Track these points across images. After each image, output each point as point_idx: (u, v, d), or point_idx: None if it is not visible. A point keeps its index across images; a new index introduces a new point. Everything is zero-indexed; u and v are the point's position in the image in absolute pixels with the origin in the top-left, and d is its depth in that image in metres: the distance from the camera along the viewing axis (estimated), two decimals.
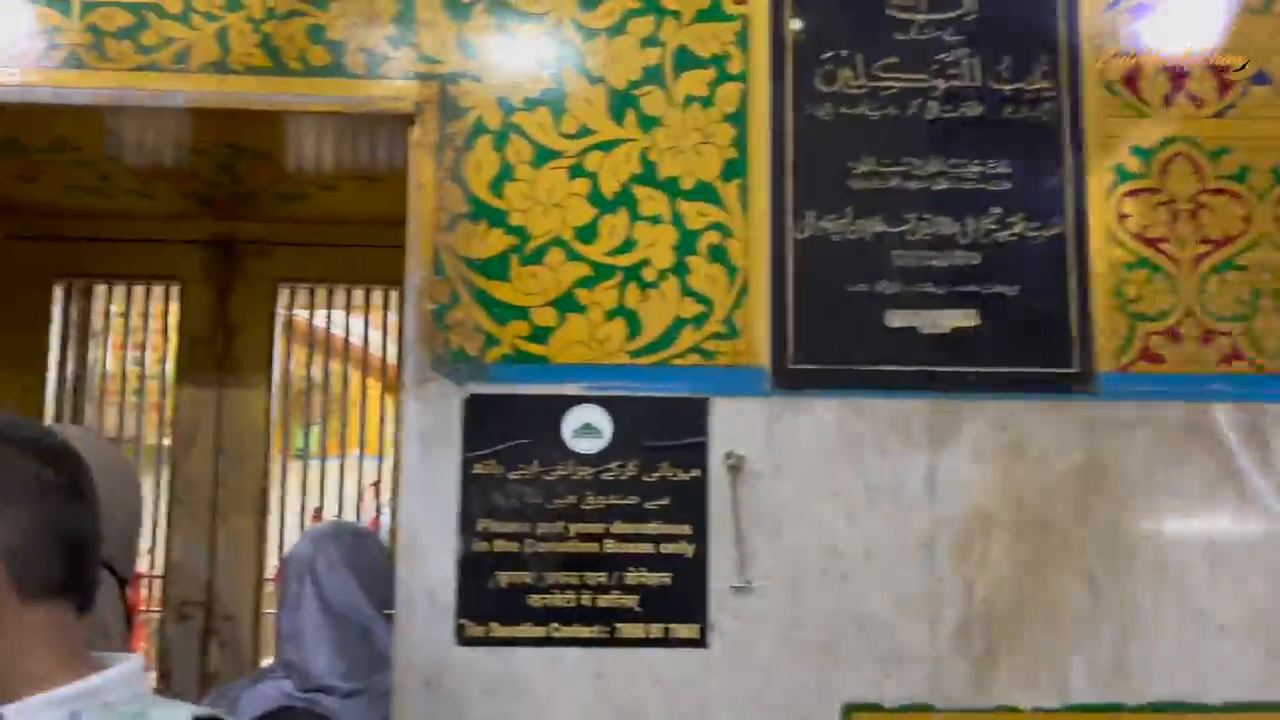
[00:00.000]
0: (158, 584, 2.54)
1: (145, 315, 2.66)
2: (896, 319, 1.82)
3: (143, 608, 2.45)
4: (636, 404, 1.81)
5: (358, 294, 2.67)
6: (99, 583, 0.96)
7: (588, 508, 1.79)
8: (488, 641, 1.76)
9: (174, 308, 2.64)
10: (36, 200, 2.49)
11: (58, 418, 2.60)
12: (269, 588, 2.57)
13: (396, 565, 1.79)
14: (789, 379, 1.80)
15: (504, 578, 1.78)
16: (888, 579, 1.76)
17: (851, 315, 1.82)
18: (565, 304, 1.82)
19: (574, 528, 1.79)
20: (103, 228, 2.60)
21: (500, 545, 1.78)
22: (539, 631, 1.77)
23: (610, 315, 1.82)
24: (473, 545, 1.78)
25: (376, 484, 2.50)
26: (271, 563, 2.65)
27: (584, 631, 1.77)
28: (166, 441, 2.61)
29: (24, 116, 1.88)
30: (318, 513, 2.59)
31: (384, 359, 2.65)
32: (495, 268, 1.82)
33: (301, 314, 2.73)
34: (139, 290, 2.67)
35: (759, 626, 1.75)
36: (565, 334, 1.82)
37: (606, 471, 1.80)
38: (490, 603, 1.77)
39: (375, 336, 2.66)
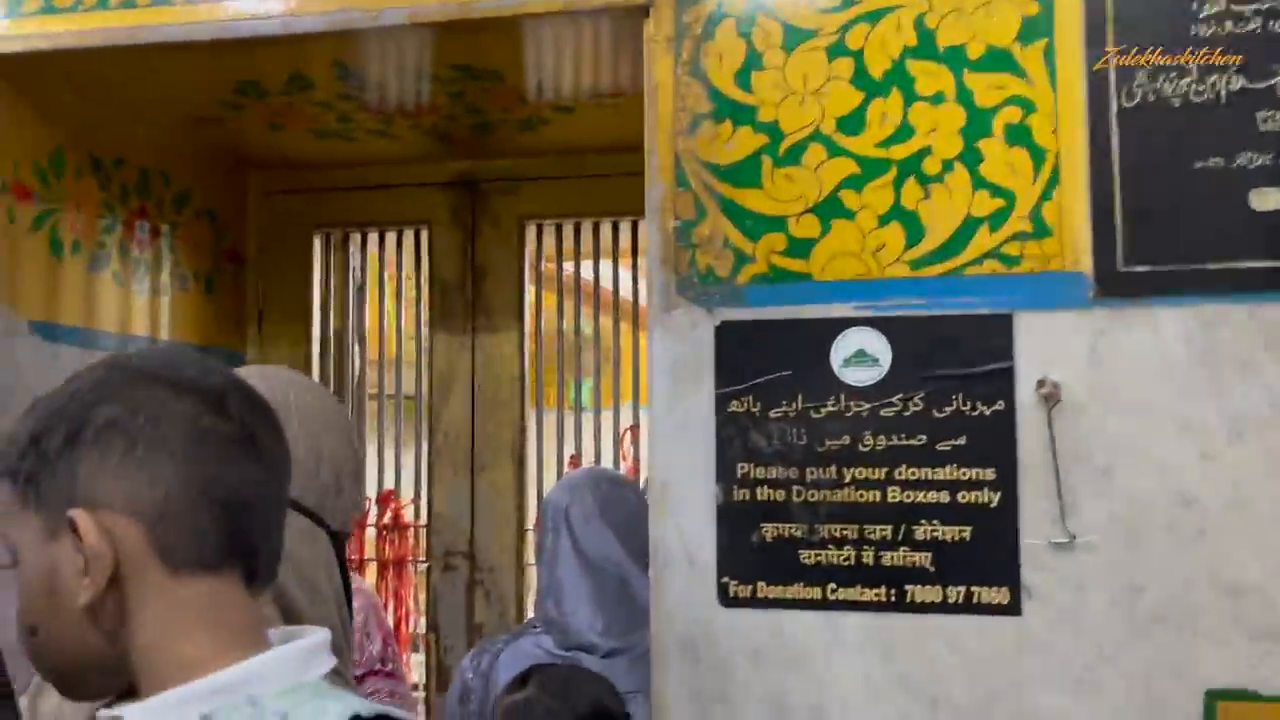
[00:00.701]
0: (423, 534, 2.49)
1: (399, 262, 2.61)
2: (1267, 200, 1.40)
3: (410, 558, 2.41)
4: (921, 325, 1.51)
5: (605, 228, 2.50)
6: (280, 552, 0.79)
7: (865, 449, 1.51)
8: (754, 603, 1.53)
9: (425, 253, 2.58)
10: (288, 152, 2.48)
11: (322, 370, 2.61)
12: (530, 538, 2.47)
13: (650, 517, 1.59)
14: (1118, 285, 1.43)
15: (769, 530, 1.54)
16: (1262, 534, 1.37)
17: (1202, 199, 1.42)
18: (829, 209, 1.54)
19: (850, 472, 1.52)
20: (353, 175, 2.57)
21: (763, 493, 1.54)
22: (813, 593, 1.51)
23: (884, 220, 1.52)
24: (732, 494, 1.55)
25: (634, 428, 2.32)
26: (532, 513, 2.55)
27: (866, 594, 1.50)
28: (424, 391, 2.55)
29: (259, 51, 1.81)
30: (574, 460, 2.45)
31: (635, 302, 2.46)
32: (745, 173, 1.56)
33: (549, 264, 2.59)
34: (391, 237, 2.62)
35: (1087, 592, 1.42)
36: (830, 245, 1.54)
37: (886, 407, 1.51)
38: (755, 559, 1.53)
39: (626, 280, 2.48)
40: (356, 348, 2.63)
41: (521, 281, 2.50)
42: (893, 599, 1.49)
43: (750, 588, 1.54)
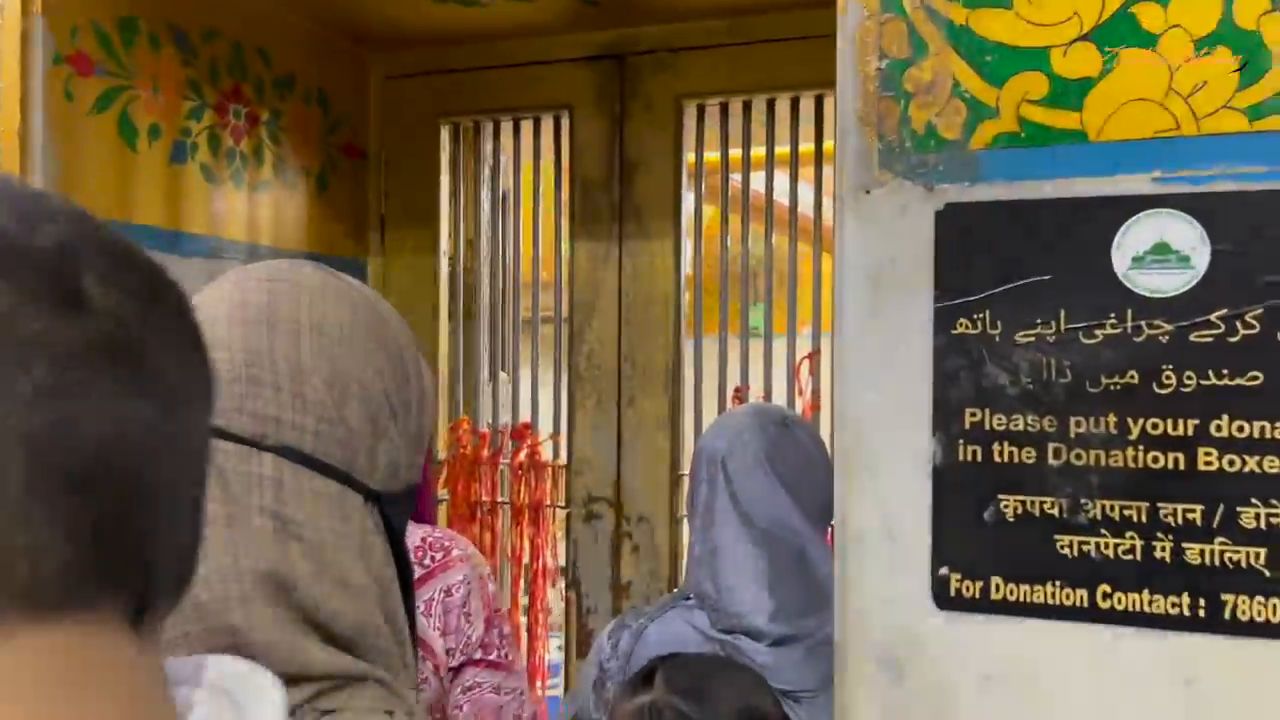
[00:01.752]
0: (563, 474, 2.13)
1: (535, 155, 2.21)
2: None
3: (548, 502, 2.06)
4: (1259, 204, 0.99)
5: (782, 105, 2.01)
6: (196, 548, 0.41)
7: (1164, 391, 1.02)
8: (986, 606, 1.07)
9: (566, 144, 2.17)
10: (408, 27, 2.10)
11: (451, 284, 2.26)
12: (685, 485, 2.07)
13: (835, 480, 1.15)
14: None
15: (1011, 505, 1.07)
16: None
17: None
18: (1115, 33, 1.03)
19: (1138, 425, 1.03)
20: (482, 53, 2.17)
21: (1003, 451, 1.07)
22: (1076, 597, 1.04)
23: (1203, 44, 1.00)
24: (956, 450, 1.09)
25: (813, 355, 1.87)
26: (689, 455, 2.14)
27: (1160, 603, 1.02)
28: (564, 311, 2.17)
29: None
30: (739, 393, 2.02)
31: (818, 217, 1.99)
32: None
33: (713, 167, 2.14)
34: (527, 126, 2.22)
35: None
36: (1115, 88, 1.03)
37: (1201, 329, 1.01)
38: (989, 545, 1.07)
39: (806, 194, 2.00)
40: (488, 260, 2.26)
41: (679, 177, 2.06)
42: (1200, 613, 1.00)
43: (980, 585, 1.08)
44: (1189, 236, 1.02)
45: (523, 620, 2.13)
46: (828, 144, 2.01)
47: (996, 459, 1.08)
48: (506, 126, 2.26)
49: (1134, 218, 1.03)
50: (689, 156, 2.08)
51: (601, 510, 2.10)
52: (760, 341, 2.05)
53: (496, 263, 2.29)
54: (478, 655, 1.34)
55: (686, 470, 2.07)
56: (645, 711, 1.30)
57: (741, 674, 1.48)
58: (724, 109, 2.06)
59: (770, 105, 2.03)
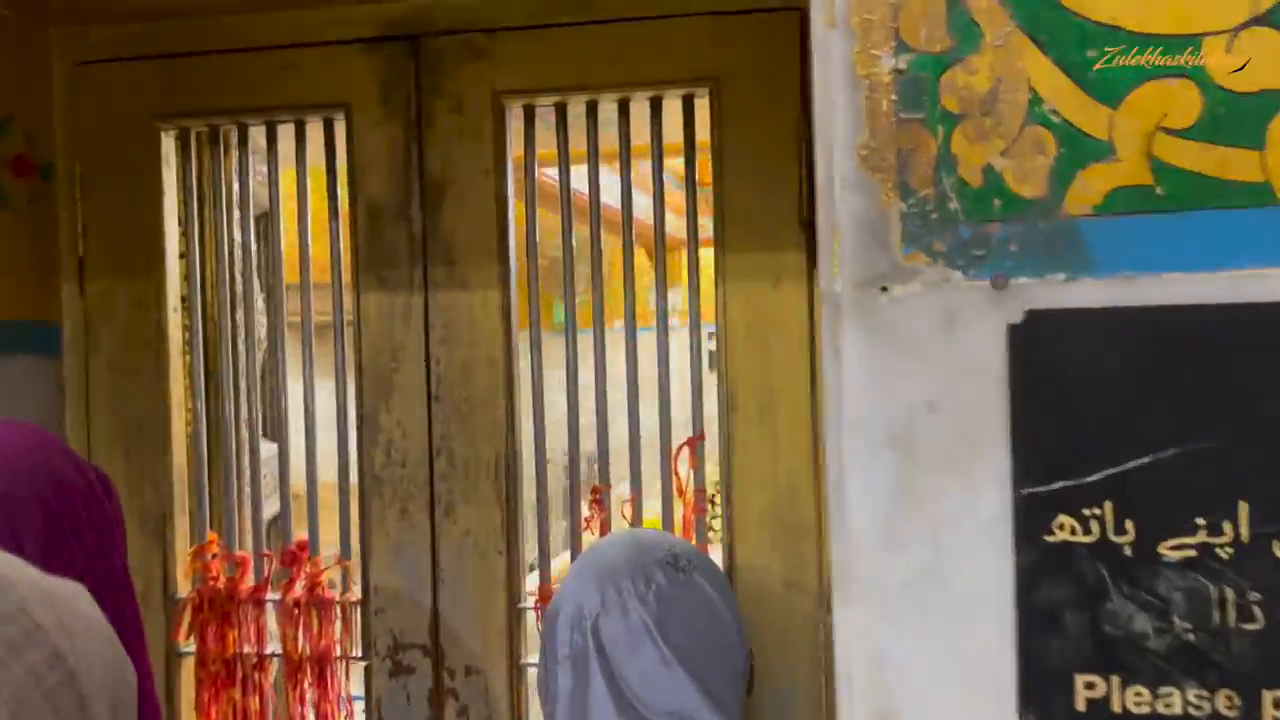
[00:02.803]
0: (357, 612, 1.55)
1: (298, 176, 1.61)
2: None
3: (338, 653, 1.48)
4: None
5: (638, 107, 1.50)
6: None
7: None
8: None
9: (340, 157, 1.58)
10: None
11: (188, 350, 1.64)
12: (531, 623, 1.54)
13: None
14: None
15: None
16: None
17: None
18: None
19: None
20: (218, 31, 1.56)
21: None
22: None
23: None
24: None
25: (694, 439, 1.39)
26: (532, 581, 1.61)
27: None
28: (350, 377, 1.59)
29: None
30: (596, 495, 1.50)
31: (659, 231, 1.50)
32: None
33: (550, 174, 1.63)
34: (285, 133, 1.61)
35: None
36: None
37: None
38: None
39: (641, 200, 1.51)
40: (234, 317, 1.65)
41: (503, 200, 1.52)
42: None
43: None
44: None
45: None
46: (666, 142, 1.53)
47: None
48: (256, 132, 1.64)
49: None
50: (515, 167, 1.54)
51: (414, 661, 1.54)
52: (624, 411, 1.53)
53: (249, 320, 1.67)
54: None
55: (529, 602, 1.55)
56: None
57: None
58: (560, 111, 1.53)
59: (623, 107, 1.51)
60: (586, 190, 1.54)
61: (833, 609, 0.66)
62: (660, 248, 1.51)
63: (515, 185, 1.54)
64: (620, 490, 1.55)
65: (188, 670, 1.60)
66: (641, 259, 1.80)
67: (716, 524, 1.58)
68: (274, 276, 1.69)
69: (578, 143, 1.53)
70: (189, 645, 1.59)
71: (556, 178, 1.55)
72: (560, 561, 1.64)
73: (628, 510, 1.51)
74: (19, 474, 1.05)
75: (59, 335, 1.60)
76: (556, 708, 1.15)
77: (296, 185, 1.60)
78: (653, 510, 1.54)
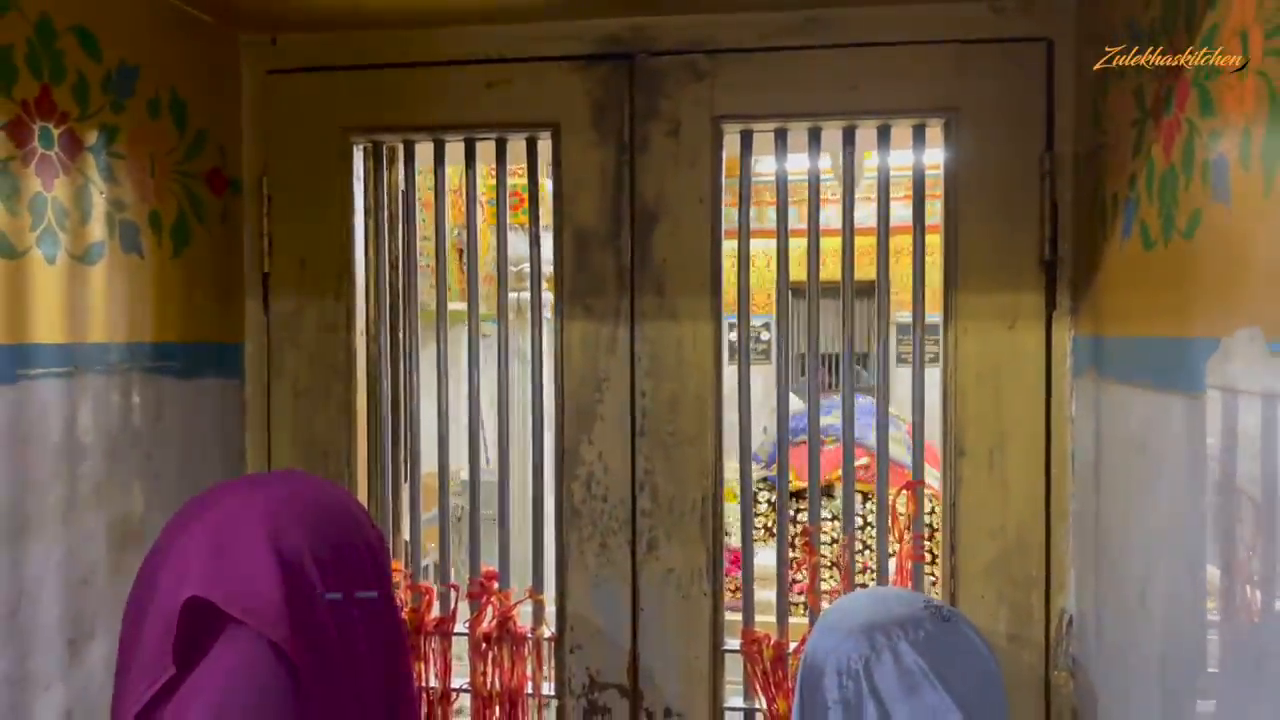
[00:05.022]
0: (550, 652, 1.51)
1: (499, 198, 1.55)
2: None
3: (528, 689, 1.44)
4: None
5: (866, 134, 1.44)
6: None
7: None
8: None
9: (545, 183, 1.53)
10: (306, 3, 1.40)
11: (371, 372, 1.58)
12: (736, 663, 1.49)
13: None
14: None
15: None
16: None
17: None
18: None
19: None
20: (415, 42, 1.50)
21: None
22: None
23: None
24: None
25: (914, 484, 1.34)
26: (736, 619, 1.56)
27: None
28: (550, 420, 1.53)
29: None
30: (807, 536, 1.46)
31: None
32: None
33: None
34: (485, 150, 1.55)
35: None
36: None
37: None
38: None
39: None
40: (426, 343, 1.59)
41: (717, 229, 1.46)
42: None
43: None
44: None
45: None
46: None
47: None
48: (455, 149, 1.58)
49: None
50: (728, 195, 1.49)
51: (611, 702, 1.49)
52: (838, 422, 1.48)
53: (441, 345, 1.61)
54: None
55: (734, 643, 1.50)
56: None
57: None
58: (780, 137, 1.47)
59: (848, 135, 1.45)
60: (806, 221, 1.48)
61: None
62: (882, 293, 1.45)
63: (727, 205, 1.49)
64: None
65: None
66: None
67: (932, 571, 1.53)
68: (471, 299, 1.63)
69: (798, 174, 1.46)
70: None
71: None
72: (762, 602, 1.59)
73: (841, 556, 1.46)
74: (363, 524, 1.03)
75: (241, 355, 1.55)
76: None
77: (496, 207, 1.54)
78: (862, 560, 1.48)
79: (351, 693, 0.99)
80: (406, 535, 1.60)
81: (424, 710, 1.53)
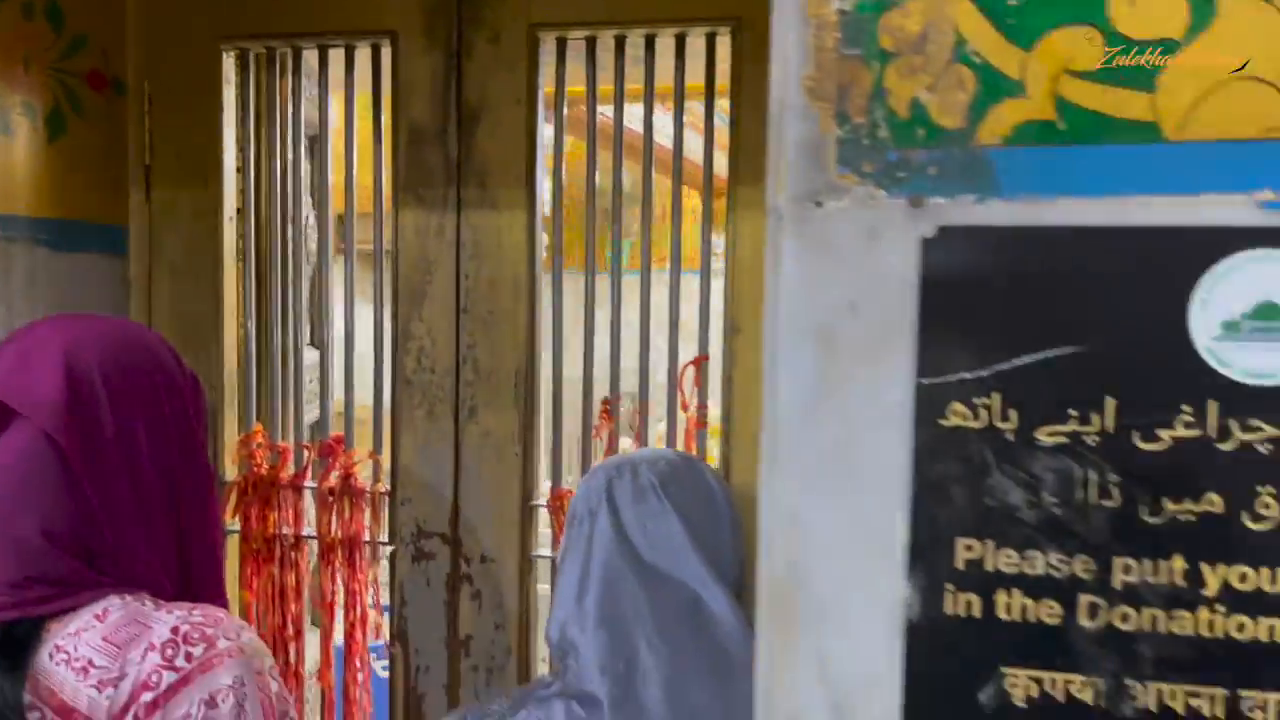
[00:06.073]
0: (385, 505, 1.70)
1: (347, 98, 1.73)
2: None
3: (367, 537, 1.63)
4: None
5: (665, 43, 1.59)
6: None
7: (1261, 527, 0.68)
8: None
9: (386, 82, 1.70)
10: None
11: (240, 257, 1.78)
12: (543, 519, 1.67)
13: (759, 638, 0.77)
14: None
15: (1022, 684, 0.72)
16: None
17: None
18: None
19: (1218, 574, 0.69)
20: None
21: (1013, 604, 0.72)
22: None
23: None
24: (942, 600, 0.73)
25: (699, 360, 1.50)
26: (543, 481, 1.74)
27: None
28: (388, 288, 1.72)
29: None
30: (606, 408, 1.63)
31: (709, 169, 1.60)
32: None
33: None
34: (336, 57, 1.73)
35: None
36: (1208, 54, 0.67)
37: None
38: None
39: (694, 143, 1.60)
40: (286, 231, 1.78)
41: (533, 130, 1.62)
42: None
43: None
44: None
45: (335, 683, 1.71)
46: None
47: (1003, 615, 0.72)
48: (310, 55, 1.76)
49: (1228, 261, 0.67)
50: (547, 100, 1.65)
51: (434, 548, 1.69)
52: (635, 335, 1.65)
53: (298, 235, 1.80)
54: None
55: (542, 499, 1.68)
56: None
57: None
58: (590, 45, 1.63)
59: (650, 43, 1.60)
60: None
61: (760, 481, 0.77)
62: (677, 182, 1.61)
63: (547, 115, 1.65)
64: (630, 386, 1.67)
65: (233, 547, 1.76)
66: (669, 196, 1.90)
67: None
68: (323, 194, 1.82)
69: (606, 81, 1.62)
70: (234, 524, 1.76)
71: (607, 114, 1.64)
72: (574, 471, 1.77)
73: (635, 422, 1.63)
74: (168, 364, 1.19)
75: (125, 237, 1.75)
76: (565, 554, 1.27)
77: (345, 109, 1.72)
78: (659, 431, 1.65)
79: (129, 484, 1.18)
80: (273, 402, 1.80)
81: (279, 554, 1.73)
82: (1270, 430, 0.67)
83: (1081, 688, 0.71)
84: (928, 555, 0.72)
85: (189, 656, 1.03)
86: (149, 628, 1.04)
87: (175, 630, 1.04)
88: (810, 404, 0.74)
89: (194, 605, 1.10)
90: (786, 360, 0.75)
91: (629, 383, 1.65)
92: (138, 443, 1.19)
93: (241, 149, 1.77)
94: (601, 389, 1.65)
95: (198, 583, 1.20)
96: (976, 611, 0.72)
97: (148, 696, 1.01)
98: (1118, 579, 0.70)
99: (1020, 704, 0.72)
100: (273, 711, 1.06)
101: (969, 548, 0.72)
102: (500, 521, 1.66)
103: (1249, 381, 0.67)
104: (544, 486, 1.71)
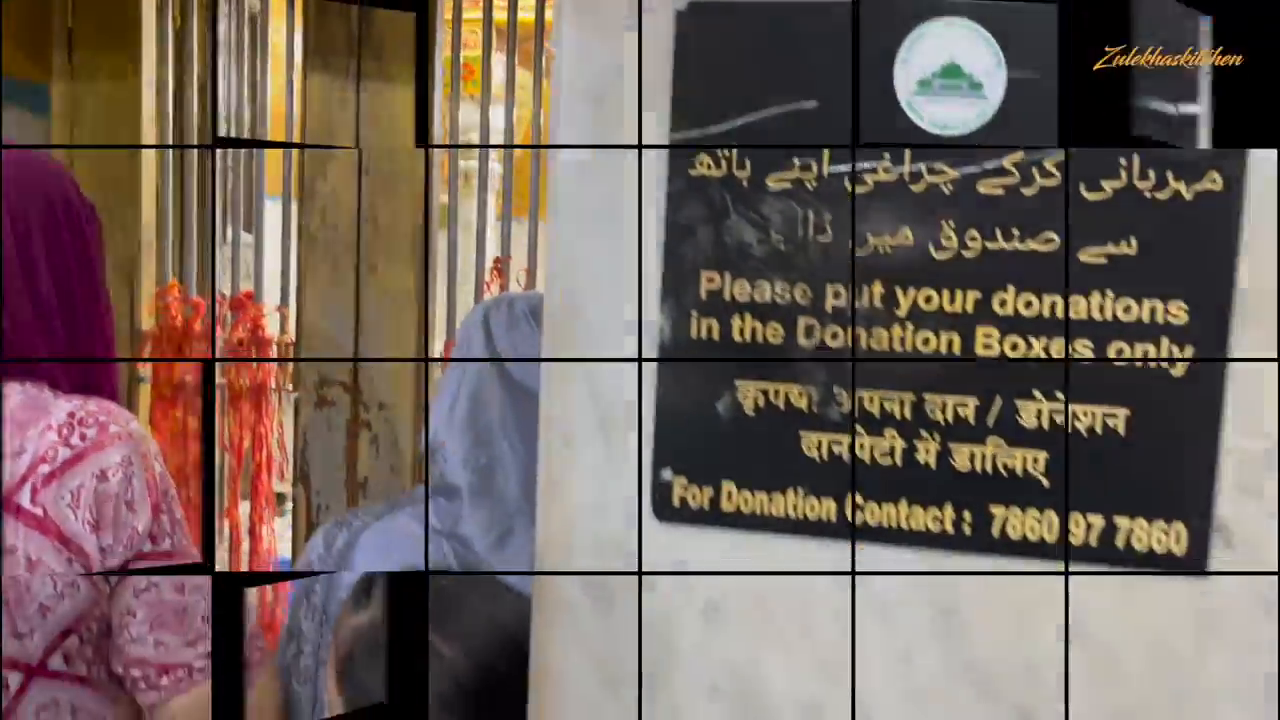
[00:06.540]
0: (291, 353, 1.82)
1: None
2: None
3: (273, 385, 1.75)
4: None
5: None
6: None
7: (943, 256, 0.81)
8: (717, 519, 0.86)
9: None
10: None
11: (159, 121, 1.88)
12: (435, 372, 1.80)
13: (541, 374, 0.90)
14: None
15: (751, 394, 0.85)
16: None
17: None
18: None
19: (908, 297, 0.82)
20: None
21: (745, 327, 0.85)
22: (823, 508, 0.84)
23: None
24: (688, 324, 0.86)
25: (502, 260, 1.62)
26: (440, 337, 1.86)
27: (919, 517, 0.82)
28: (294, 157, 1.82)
29: None
30: (499, 264, 1.74)
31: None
32: None
33: None
34: None
35: None
36: None
37: (991, 177, 0.80)
38: (724, 443, 0.85)
39: None
40: (204, 94, 1.88)
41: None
42: (966, 529, 0.82)
43: (710, 492, 0.86)
44: (983, 57, 0.79)
45: (243, 518, 1.84)
46: None
47: (737, 337, 0.85)
48: None
49: (920, 27, 0.80)
50: None
51: (335, 396, 1.81)
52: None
53: (218, 99, 1.91)
54: (146, 548, 1.09)
55: (438, 351, 1.80)
56: (364, 634, 1.06)
57: (492, 590, 1.25)
58: None
59: None
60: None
61: (546, 226, 0.90)
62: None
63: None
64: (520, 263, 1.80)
65: (145, 393, 1.88)
66: None
67: None
68: (260, 73, 1.92)
69: None
70: (147, 373, 1.87)
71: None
72: None
73: (524, 278, 1.76)
74: (62, 181, 1.28)
75: (48, 95, 1.84)
76: (444, 377, 1.38)
77: None
78: None
79: (28, 298, 1.29)
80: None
81: (175, 397, 1.85)
82: (951, 173, 0.80)
83: (799, 396, 0.84)
84: (676, 287, 0.85)
85: (84, 437, 1.14)
86: (48, 412, 1.16)
87: (71, 415, 1.15)
88: (583, 159, 0.86)
89: (89, 396, 1.21)
90: (566, 121, 0.87)
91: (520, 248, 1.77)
92: (31, 244, 1.29)
93: (161, 15, 1.86)
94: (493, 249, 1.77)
95: (94, 389, 1.31)
96: (716, 335, 0.85)
97: (45, 469, 1.13)
98: (829, 303, 0.83)
99: (750, 412, 0.85)
100: (156, 489, 1.18)
101: (711, 280, 0.85)
102: (397, 372, 1.79)
103: (936, 131, 0.80)
104: (440, 342, 1.83)
